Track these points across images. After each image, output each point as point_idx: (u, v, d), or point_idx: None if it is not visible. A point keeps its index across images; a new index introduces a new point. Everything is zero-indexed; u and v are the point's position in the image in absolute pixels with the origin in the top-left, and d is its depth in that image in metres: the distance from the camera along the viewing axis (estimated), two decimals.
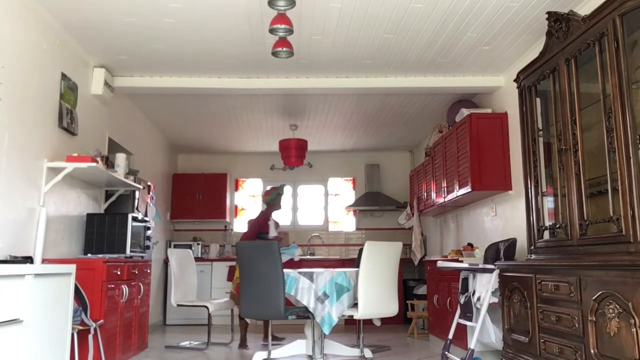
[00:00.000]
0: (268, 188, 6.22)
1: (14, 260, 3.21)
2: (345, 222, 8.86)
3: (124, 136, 5.79)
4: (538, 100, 3.63)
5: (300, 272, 4.43)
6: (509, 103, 4.95)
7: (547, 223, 3.46)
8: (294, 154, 6.90)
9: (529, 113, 3.67)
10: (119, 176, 4.66)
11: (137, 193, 5.32)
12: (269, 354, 4.59)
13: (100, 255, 4.33)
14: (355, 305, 4.39)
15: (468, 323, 4.08)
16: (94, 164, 4.01)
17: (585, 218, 2.99)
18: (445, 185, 5.69)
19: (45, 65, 3.91)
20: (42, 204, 3.83)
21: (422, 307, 6.46)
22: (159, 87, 5.21)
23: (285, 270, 4.38)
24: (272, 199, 5.95)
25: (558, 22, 3.26)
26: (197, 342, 5.83)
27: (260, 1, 3.66)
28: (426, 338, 6.03)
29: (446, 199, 5.67)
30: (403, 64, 4.88)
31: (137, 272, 4.70)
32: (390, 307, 4.47)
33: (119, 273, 4.23)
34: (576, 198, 3.05)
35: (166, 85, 5.18)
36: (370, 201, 8.44)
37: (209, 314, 5.63)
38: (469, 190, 4.93)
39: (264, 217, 5.91)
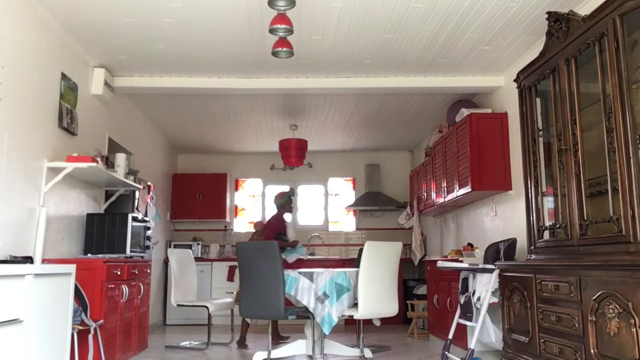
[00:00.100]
0: (280, 191, 6.37)
1: (14, 260, 3.21)
2: (345, 222, 8.86)
3: (124, 136, 5.79)
4: (538, 100, 3.63)
5: (300, 272, 4.43)
6: (509, 103, 4.95)
7: (547, 223, 3.46)
8: (294, 154, 6.91)
9: (529, 113, 3.67)
10: (119, 176, 4.66)
11: (137, 193, 5.32)
12: (269, 354, 4.59)
13: (100, 255, 4.33)
14: (355, 305, 4.39)
15: (468, 323, 4.08)
16: (94, 164, 4.01)
17: (585, 218, 2.99)
18: (445, 185, 5.69)
19: (45, 65, 3.91)
20: (42, 204, 3.83)
21: (422, 307, 6.46)
22: (159, 87, 5.21)
23: (285, 270, 4.38)
24: (285, 201, 6.13)
25: (558, 22, 3.26)
26: (197, 342, 5.83)
27: (260, 1, 3.66)
28: (426, 338, 6.03)
29: (446, 199, 5.67)
30: (403, 64, 4.88)
31: (137, 272, 4.71)
32: (390, 307, 4.46)
33: (119, 273, 4.23)
34: (576, 198, 3.05)
35: (166, 85, 5.18)
36: (370, 201, 8.44)
37: (209, 314, 5.63)
38: (469, 190, 4.93)
39: (282, 218, 6.11)
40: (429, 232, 7.67)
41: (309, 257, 7.98)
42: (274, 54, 3.75)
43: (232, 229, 8.67)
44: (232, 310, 5.99)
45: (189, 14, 3.89)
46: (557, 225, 3.29)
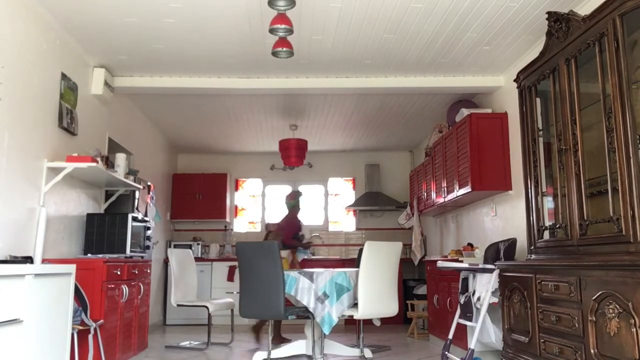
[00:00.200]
0: (289, 192, 6.54)
1: (14, 260, 3.21)
2: (345, 222, 8.86)
3: (124, 136, 5.79)
4: (538, 100, 3.63)
5: (300, 272, 4.43)
6: (509, 103, 4.95)
7: (547, 223, 3.46)
8: (294, 154, 6.91)
9: (529, 113, 3.67)
10: (119, 176, 4.66)
11: (137, 193, 5.32)
12: (269, 354, 4.59)
13: (100, 255, 4.33)
14: (355, 305, 4.39)
15: (468, 323, 4.08)
16: (94, 164, 4.01)
17: (585, 218, 2.99)
18: (445, 185, 5.69)
19: (45, 65, 3.91)
20: (42, 204, 3.83)
21: (422, 307, 6.46)
22: (159, 87, 5.21)
23: (285, 270, 4.38)
24: (297, 202, 6.32)
25: (558, 22, 3.26)
26: (197, 342, 5.83)
27: (260, 1, 3.66)
28: (426, 338, 6.03)
29: (446, 199, 5.67)
30: (403, 64, 4.88)
31: (137, 272, 4.71)
32: (390, 307, 4.47)
33: (119, 273, 4.23)
34: (576, 198, 3.05)
35: (166, 85, 5.18)
36: (370, 201, 8.44)
37: (209, 314, 5.63)
38: (469, 190, 4.93)
39: (297, 218, 6.31)
40: (429, 232, 7.67)
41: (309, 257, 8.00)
42: (274, 54, 3.75)
43: (232, 229, 8.67)
44: (232, 310, 6.00)
45: (189, 14, 3.89)
46: (557, 225, 3.29)
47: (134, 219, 4.66)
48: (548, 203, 3.53)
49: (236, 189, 8.91)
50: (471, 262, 4.38)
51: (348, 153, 8.79)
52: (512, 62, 4.85)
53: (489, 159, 4.90)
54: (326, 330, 4.24)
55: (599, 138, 2.90)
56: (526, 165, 3.68)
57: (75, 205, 4.50)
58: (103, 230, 4.50)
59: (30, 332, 2.67)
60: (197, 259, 6.95)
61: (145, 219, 5.09)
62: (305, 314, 4.34)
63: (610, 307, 2.46)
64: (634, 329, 2.29)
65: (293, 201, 6.34)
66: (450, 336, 4.31)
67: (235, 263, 7.49)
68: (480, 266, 4.02)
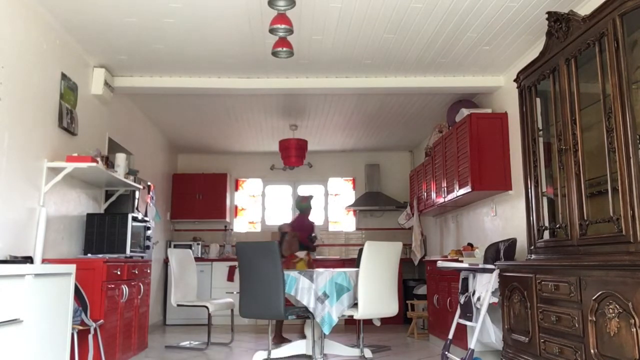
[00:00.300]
0: (301, 194, 6.77)
1: (14, 260, 3.21)
2: (345, 222, 8.86)
3: (124, 136, 5.79)
4: (538, 100, 3.63)
5: (300, 272, 4.43)
6: (509, 103, 4.95)
7: (547, 223, 3.46)
8: (294, 154, 6.91)
9: (529, 113, 3.67)
10: (119, 176, 4.66)
11: (137, 193, 5.32)
12: (269, 353, 4.59)
13: (100, 255, 4.33)
14: (355, 305, 4.39)
15: (468, 323, 4.08)
16: (94, 164, 4.01)
17: (585, 218, 2.99)
18: (445, 185, 5.69)
19: (45, 65, 3.91)
20: (42, 204, 3.83)
21: (422, 307, 6.46)
22: (159, 87, 5.21)
23: (286, 270, 4.38)
24: (309, 205, 6.54)
25: (558, 22, 3.26)
26: (197, 342, 5.83)
27: (260, 1, 3.66)
28: (426, 338, 6.03)
29: (446, 199, 5.67)
30: (403, 64, 4.88)
31: (137, 272, 4.71)
32: (390, 307, 4.47)
33: (119, 273, 4.23)
34: (576, 198, 3.05)
35: (166, 85, 5.18)
36: (370, 201, 8.44)
37: (209, 314, 5.63)
38: (469, 190, 4.93)
39: (310, 220, 6.51)
40: (429, 232, 7.67)
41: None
42: (274, 54, 3.75)
43: (232, 229, 8.67)
44: (232, 310, 6.00)
45: (189, 14, 3.89)
46: (557, 225, 3.29)
47: (134, 219, 4.66)
48: (548, 203, 3.53)
49: (236, 189, 8.91)
50: (471, 262, 4.38)
51: (348, 153, 8.79)
52: (512, 62, 4.85)
53: (489, 159, 4.90)
54: (326, 330, 4.24)
55: (599, 138, 2.90)
56: (526, 165, 3.68)
57: (75, 205, 4.50)
58: (103, 230, 4.50)
59: (30, 332, 2.67)
60: (197, 259, 6.95)
61: (145, 219, 5.09)
62: (305, 314, 4.34)
63: (610, 307, 2.46)
64: (634, 329, 2.29)
65: (305, 204, 6.50)
66: (450, 336, 4.31)
67: (235, 263, 7.50)
68: (480, 266, 4.02)
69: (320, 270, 4.52)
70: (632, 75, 2.65)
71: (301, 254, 6.11)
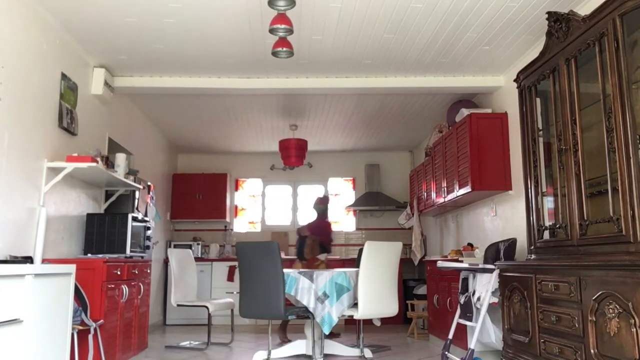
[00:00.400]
0: (318, 196, 6.80)
1: (14, 260, 3.21)
2: (345, 222, 8.86)
3: (124, 136, 5.79)
4: (538, 100, 3.63)
5: (300, 272, 4.43)
6: (509, 103, 4.96)
7: (547, 223, 3.46)
8: (294, 154, 6.91)
9: (529, 113, 3.67)
10: (119, 176, 4.66)
11: (137, 193, 5.32)
12: (269, 353, 4.59)
13: (100, 255, 4.33)
14: (355, 305, 4.39)
15: (468, 323, 4.08)
16: (94, 164, 4.02)
17: (585, 218, 2.99)
18: (445, 185, 5.69)
19: (45, 65, 3.91)
20: (42, 204, 3.83)
21: (422, 307, 6.46)
22: (159, 87, 5.21)
23: (285, 270, 4.38)
24: (326, 208, 6.58)
25: (558, 22, 3.26)
26: (197, 342, 5.83)
27: (260, 1, 3.66)
28: (426, 338, 6.03)
29: (446, 199, 5.67)
30: (403, 64, 4.88)
31: (137, 272, 4.71)
32: (390, 307, 4.47)
33: (119, 273, 4.23)
34: (576, 198, 3.05)
35: (166, 85, 5.18)
36: (370, 201, 8.44)
37: (209, 314, 5.63)
38: (469, 190, 4.93)
39: (327, 222, 6.58)
40: (429, 232, 7.67)
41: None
42: (274, 54, 3.75)
43: (232, 229, 8.67)
44: (232, 310, 6.00)
45: (189, 14, 3.89)
46: (557, 225, 3.29)
47: (134, 219, 4.66)
48: (548, 203, 3.53)
49: (236, 189, 8.91)
50: (471, 262, 4.38)
51: (348, 153, 8.79)
52: (512, 62, 4.85)
53: (489, 159, 4.90)
54: (326, 330, 4.25)
55: (599, 138, 2.90)
56: (526, 165, 3.68)
57: (75, 205, 4.50)
58: (103, 230, 4.50)
59: (30, 332, 2.67)
60: (197, 259, 6.95)
61: (145, 219, 5.09)
62: (305, 314, 4.34)
63: (610, 307, 2.46)
64: (634, 329, 2.29)
65: (323, 206, 6.54)
66: (450, 336, 4.31)
67: (235, 263, 7.50)
68: (480, 266, 4.02)
69: (320, 270, 4.52)
70: (632, 75, 2.65)
71: (322, 257, 6.27)
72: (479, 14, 3.92)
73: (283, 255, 7.22)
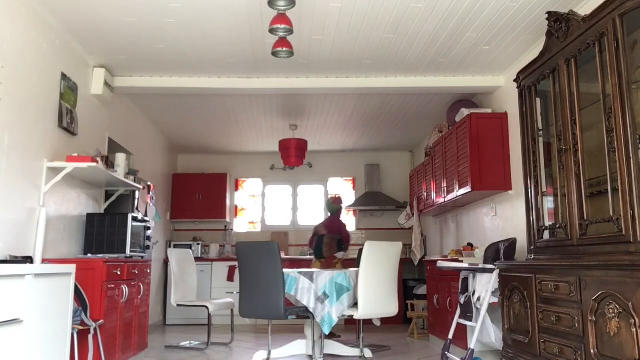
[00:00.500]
0: (331, 196, 7.10)
1: (14, 260, 3.22)
2: (345, 222, 8.84)
3: (124, 136, 5.79)
4: (538, 100, 3.63)
5: (300, 272, 4.43)
6: (509, 103, 4.96)
7: (547, 223, 3.46)
8: (294, 154, 6.91)
9: (529, 113, 3.67)
10: (119, 176, 4.66)
11: (137, 193, 5.32)
12: (269, 353, 4.59)
13: (100, 255, 4.34)
14: (355, 305, 4.39)
15: (468, 323, 4.08)
16: (94, 164, 4.02)
17: (585, 218, 2.99)
18: (445, 185, 5.69)
19: (45, 65, 3.91)
20: (42, 204, 3.83)
21: (422, 307, 6.46)
22: (159, 87, 5.21)
23: (285, 270, 4.38)
24: (340, 207, 6.75)
25: (558, 22, 3.26)
26: (197, 342, 5.83)
27: (260, 1, 3.66)
28: (426, 338, 6.03)
29: (446, 199, 5.67)
30: (403, 64, 4.88)
31: (137, 272, 4.71)
32: (390, 307, 4.47)
33: (119, 273, 4.23)
34: (576, 198, 3.05)
35: (166, 85, 5.18)
36: (370, 201, 8.44)
37: (209, 314, 5.63)
38: (469, 190, 4.93)
39: (340, 221, 6.72)
40: (429, 232, 7.67)
41: (302, 257, 8.04)
42: (274, 54, 3.75)
43: (232, 229, 8.67)
44: (232, 310, 6.00)
45: (189, 14, 3.89)
46: (557, 225, 3.29)
47: (134, 219, 4.66)
48: (548, 203, 3.53)
49: (236, 189, 8.91)
50: (471, 262, 4.38)
51: (348, 153, 8.79)
52: (512, 62, 4.85)
53: (489, 159, 4.90)
54: (326, 330, 4.25)
55: (599, 138, 2.90)
56: (526, 165, 3.68)
57: (75, 205, 4.50)
58: (103, 230, 4.50)
59: (30, 332, 2.67)
60: (197, 259, 6.95)
61: (145, 219, 5.09)
62: (305, 314, 4.34)
63: (610, 307, 2.46)
64: (634, 329, 2.29)
65: (336, 205, 6.68)
66: (450, 336, 4.31)
67: (235, 263, 7.50)
68: (480, 266, 4.02)
69: (320, 270, 4.52)
70: (632, 75, 2.65)
71: (339, 255, 6.45)
72: (479, 14, 3.92)
73: (283, 255, 7.26)
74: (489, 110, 5.24)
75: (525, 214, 3.68)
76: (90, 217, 4.56)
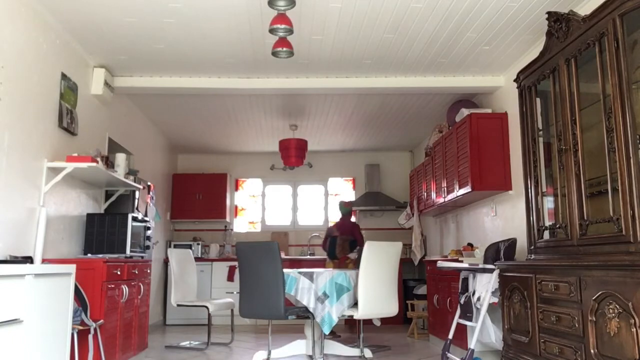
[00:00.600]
0: (341, 199, 7.34)
1: (14, 260, 3.22)
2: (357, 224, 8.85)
3: (124, 136, 5.79)
4: (538, 100, 3.63)
5: (300, 272, 4.43)
6: (509, 103, 4.96)
7: (547, 223, 3.46)
8: (294, 154, 6.91)
9: (529, 113, 3.67)
10: (119, 176, 4.66)
11: (137, 193, 5.32)
12: (269, 353, 4.59)
13: (100, 255, 4.34)
14: (355, 305, 4.39)
15: (468, 323, 4.08)
16: (94, 164, 4.02)
17: (585, 218, 2.99)
18: (445, 185, 5.69)
19: (45, 65, 3.91)
20: (42, 204, 3.83)
21: (422, 307, 6.46)
22: (159, 87, 5.21)
23: (285, 270, 4.38)
24: (350, 209, 6.95)
25: (558, 22, 3.26)
26: (197, 342, 5.83)
27: (260, 1, 3.66)
28: (426, 338, 6.03)
29: (446, 199, 5.67)
30: (403, 64, 4.88)
31: (137, 272, 4.71)
32: (390, 307, 4.47)
33: (119, 273, 4.23)
34: (576, 198, 3.05)
35: (166, 85, 5.18)
36: (370, 201, 8.44)
37: (209, 314, 5.63)
38: (469, 190, 4.93)
39: (351, 222, 6.92)
40: (429, 232, 7.67)
41: (302, 257, 8.04)
42: (274, 54, 3.75)
43: (232, 229, 8.67)
44: (232, 310, 6.00)
45: (189, 14, 3.89)
46: (557, 225, 3.29)
47: (134, 219, 4.66)
48: (548, 203, 3.53)
49: (236, 189, 8.92)
50: (471, 262, 4.38)
51: (348, 153, 8.79)
52: (512, 62, 4.85)
53: (489, 159, 4.90)
54: (326, 330, 4.25)
55: (599, 138, 2.90)
56: (526, 165, 3.68)
57: (75, 205, 4.50)
58: (103, 230, 4.50)
59: (30, 332, 2.67)
60: (197, 259, 6.95)
61: (145, 219, 5.09)
62: (305, 314, 4.35)
63: (610, 307, 2.46)
64: (634, 329, 2.29)
65: (348, 208, 6.85)
66: (450, 336, 4.31)
67: (235, 263, 7.50)
68: (480, 266, 4.02)
69: (320, 270, 4.52)
70: (632, 75, 2.65)
71: (352, 255, 6.57)
72: (479, 14, 3.92)
73: (283, 255, 7.26)
74: (489, 110, 5.24)
75: (525, 214, 3.68)
76: (90, 217, 4.56)
